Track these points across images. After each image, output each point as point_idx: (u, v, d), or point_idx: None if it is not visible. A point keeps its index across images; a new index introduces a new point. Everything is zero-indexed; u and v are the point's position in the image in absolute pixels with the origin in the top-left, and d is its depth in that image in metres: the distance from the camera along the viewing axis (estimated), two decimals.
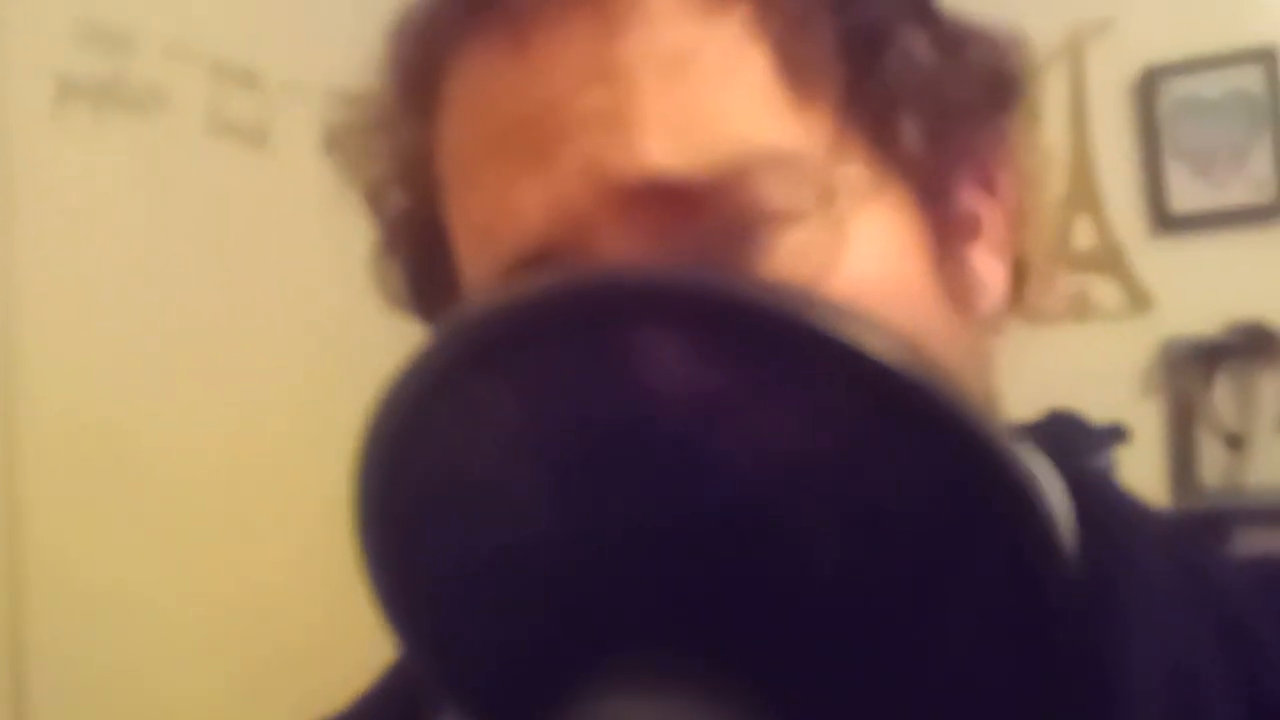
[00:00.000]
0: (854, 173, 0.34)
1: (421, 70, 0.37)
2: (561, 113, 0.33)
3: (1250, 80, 1.87)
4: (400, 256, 0.40)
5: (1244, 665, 0.35)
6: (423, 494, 0.29)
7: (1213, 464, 1.84)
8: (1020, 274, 0.39)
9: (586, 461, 0.26)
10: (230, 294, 1.41)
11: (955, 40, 0.36)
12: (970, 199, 0.37)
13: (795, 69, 0.34)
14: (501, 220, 0.34)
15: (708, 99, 0.33)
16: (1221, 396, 1.85)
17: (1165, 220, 1.91)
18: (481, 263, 0.35)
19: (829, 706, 0.26)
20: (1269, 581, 0.38)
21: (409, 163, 0.38)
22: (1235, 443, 1.83)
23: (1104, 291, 1.90)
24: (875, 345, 0.24)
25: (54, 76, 1.22)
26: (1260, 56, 1.87)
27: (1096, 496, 0.39)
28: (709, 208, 0.32)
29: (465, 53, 0.36)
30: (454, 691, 0.31)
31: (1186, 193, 1.90)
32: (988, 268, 0.38)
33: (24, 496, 1.18)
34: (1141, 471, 1.88)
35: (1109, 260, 1.91)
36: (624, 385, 0.26)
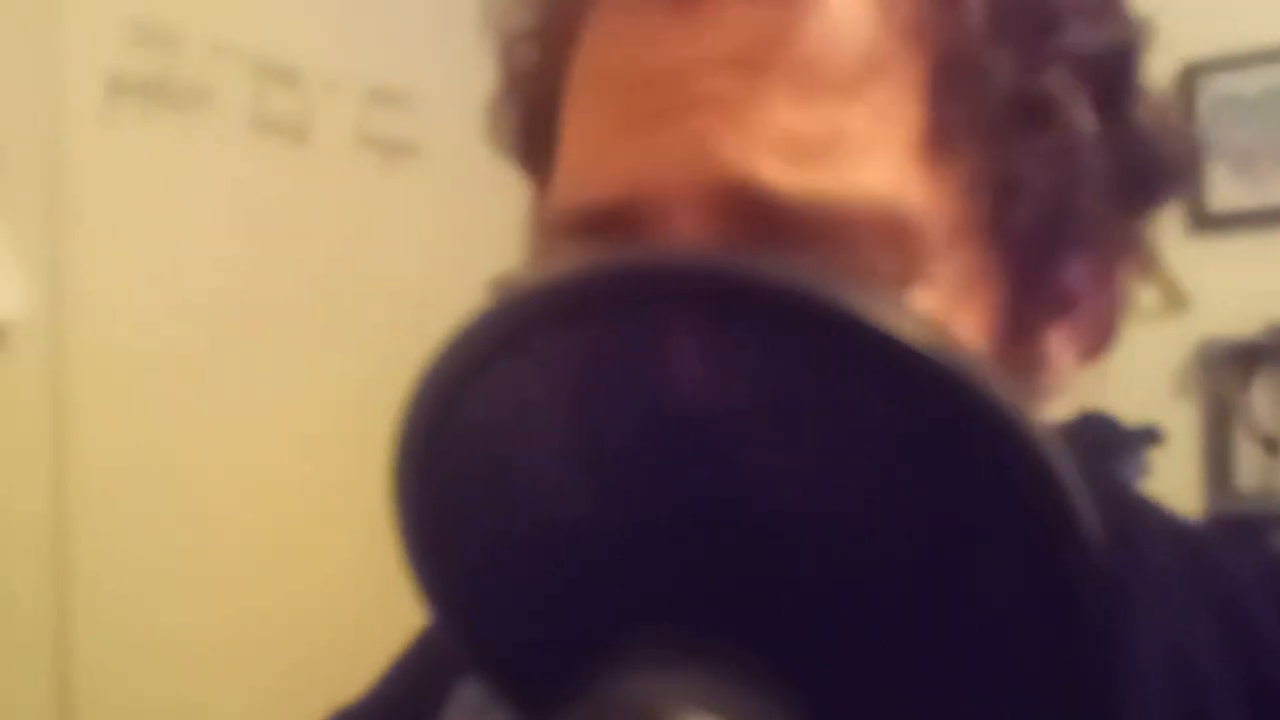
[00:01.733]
0: (960, 256, 0.32)
1: None
2: (695, 85, 0.32)
3: None
4: (516, 108, 0.40)
5: (1248, 662, 0.35)
6: (459, 470, 0.29)
7: (1249, 467, 1.82)
8: (1096, 350, 0.37)
9: (623, 445, 0.27)
10: (272, 288, 1.43)
11: (1129, 127, 0.34)
12: (1076, 280, 0.35)
13: (946, 135, 0.32)
14: (598, 163, 0.33)
15: (842, 133, 0.31)
16: (1259, 399, 1.83)
17: (1203, 219, 1.88)
18: (569, 193, 0.35)
19: (855, 689, 0.26)
20: (1276, 579, 0.37)
21: (549, 28, 0.37)
22: (1272, 446, 1.81)
23: (1140, 291, 1.88)
24: (909, 332, 0.24)
25: (105, 75, 1.25)
26: None
27: (1110, 496, 0.39)
28: (800, 235, 0.31)
29: None
30: (485, 666, 0.31)
31: (1225, 191, 1.88)
32: (1059, 349, 0.36)
33: (69, 500, 1.20)
34: (1177, 474, 1.86)
35: (1145, 259, 1.89)
36: (664, 371, 0.26)
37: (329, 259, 1.50)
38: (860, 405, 0.25)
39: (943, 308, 0.32)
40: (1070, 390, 0.37)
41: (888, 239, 0.31)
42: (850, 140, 0.31)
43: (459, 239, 1.72)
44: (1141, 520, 0.39)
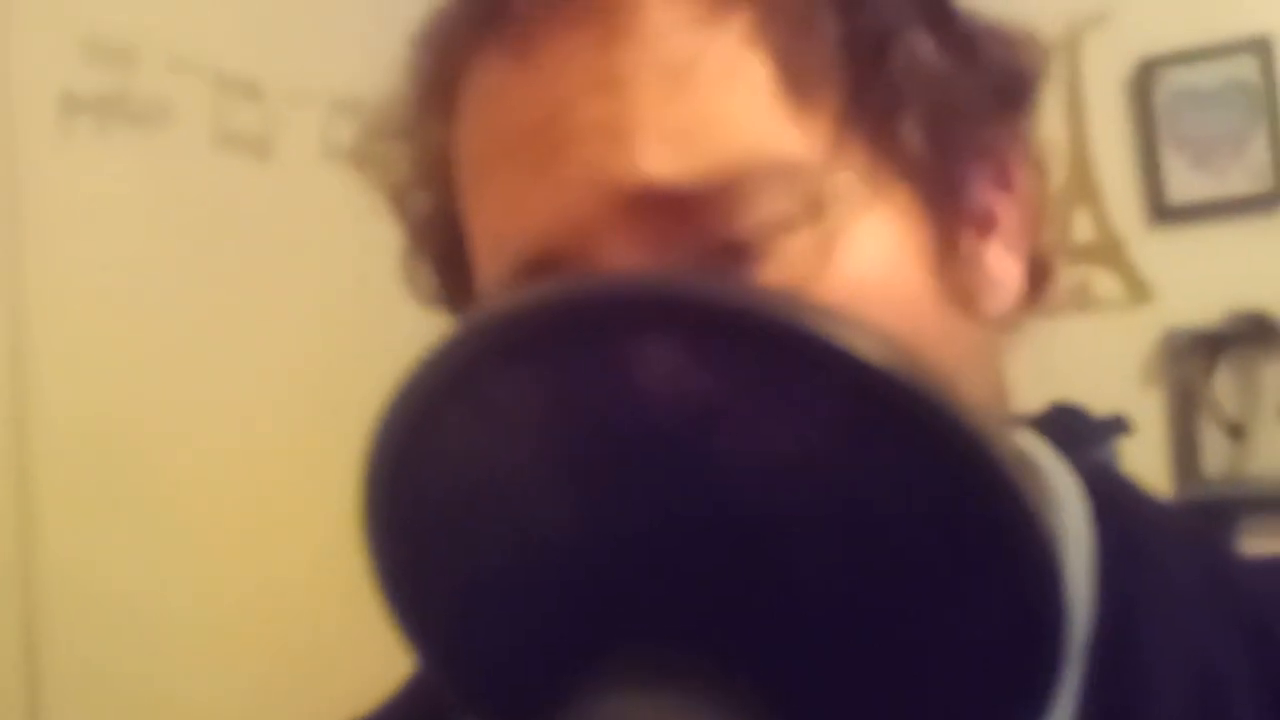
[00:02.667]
0: (852, 178, 0.34)
1: (439, 78, 0.38)
2: (565, 122, 0.34)
3: (1246, 70, 1.88)
4: (427, 256, 0.41)
5: (1268, 668, 0.35)
6: (428, 500, 0.29)
7: (1215, 454, 1.85)
8: (1038, 270, 0.39)
9: (592, 467, 0.27)
10: (237, 303, 1.42)
11: (965, 40, 0.37)
12: (984, 196, 0.37)
13: (796, 76, 0.34)
14: (508, 227, 0.35)
15: (707, 108, 0.33)
16: (1223, 386, 1.85)
17: (1164, 211, 1.91)
18: (491, 267, 0.36)
19: (830, 705, 0.26)
20: None
21: (430, 166, 0.39)
22: (1237, 432, 1.84)
23: (1104, 283, 1.90)
24: (861, 347, 0.25)
25: (59, 91, 1.23)
26: (1255, 46, 1.88)
27: (1114, 497, 0.39)
28: (707, 215, 0.33)
29: (477, 62, 0.37)
30: (463, 695, 0.31)
31: (1184, 183, 1.91)
32: (1002, 265, 0.37)
33: (37, 505, 1.19)
34: (1144, 462, 1.87)
35: (1108, 251, 1.91)
36: (626, 391, 0.26)
37: (296, 272, 1.49)
38: (819, 420, 0.26)
39: (863, 233, 0.34)
40: (1033, 317, 0.38)
41: (783, 184, 0.33)
42: (715, 112, 0.34)
43: None
44: (1146, 519, 0.39)
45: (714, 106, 0.34)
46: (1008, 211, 0.38)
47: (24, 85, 1.20)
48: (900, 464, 0.25)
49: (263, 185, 1.47)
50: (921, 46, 0.35)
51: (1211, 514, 1.73)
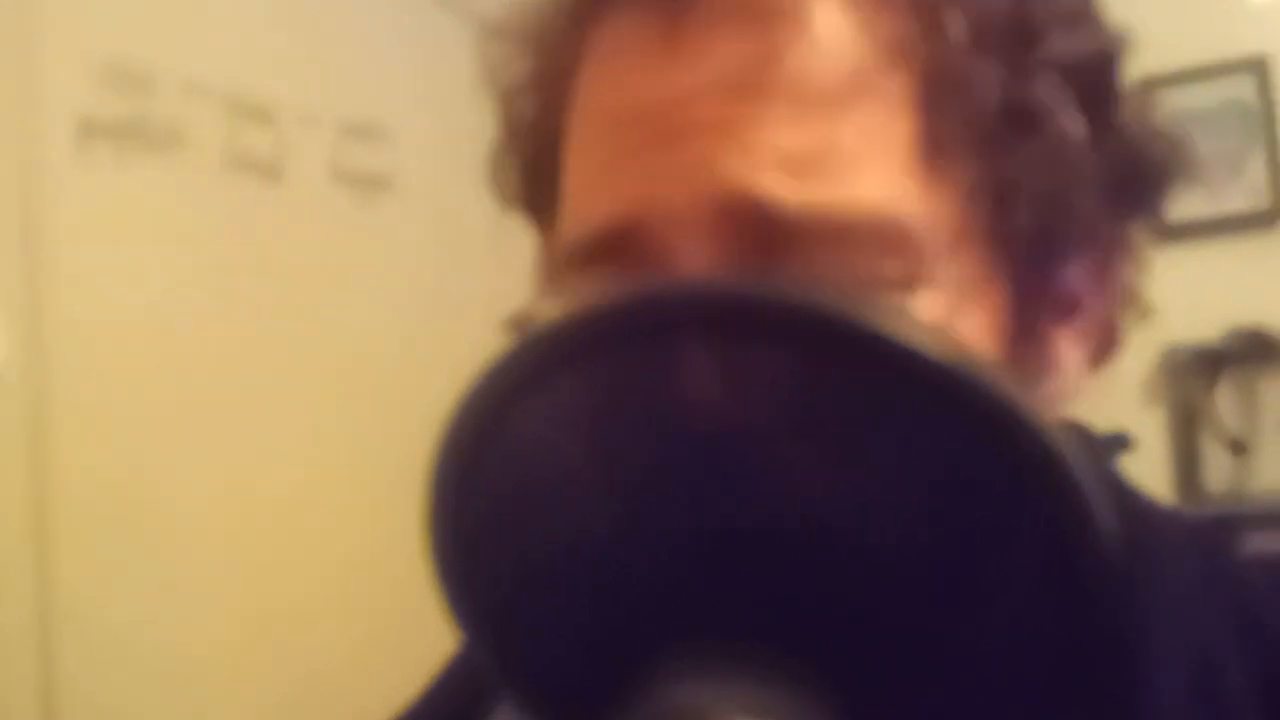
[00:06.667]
0: (963, 258, 0.33)
1: (574, 17, 0.37)
2: (691, 111, 0.33)
3: (1243, 89, 1.90)
4: (517, 160, 0.41)
5: (1262, 659, 0.35)
6: (492, 495, 0.30)
7: (1217, 470, 1.85)
8: (1103, 353, 0.38)
9: (647, 465, 0.27)
10: (250, 324, 1.43)
11: (1117, 130, 0.35)
12: (1076, 281, 0.36)
13: (938, 146, 0.33)
14: (602, 193, 0.34)
15: (838, 148, 0.32)
16: (1224, 402, 1.86)
17: (1163, 229, 1.92)
18: (574, 228, 0.36)
19: (887, 689, 0.27)
20: None
21: (546, 78, 0.39)
22: (1238, 448, 1.84)
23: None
24: (921, 343, 0.25)
25: (78, 117, 1.25)
26: (1252, 66, 1.90)
27: (1117, 496, 0.40)
28: (803, 249, 0.32)
29: (618, 19, 0.35)
30: (520, 688, 0.32)
31: (1183, 201, 1.92)
32: (1068, 351, 0.37)
33: (52, 536, 1.19)
34: (1146, 479, 1.86)
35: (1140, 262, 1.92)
36: (684, 393, 0.27)
37: (306, 294, 1.51)
38: (879, 416, 0.26)
39: (948, 310, 0.33)
40: (1081, 395, 0.37)
41: (887, 245, 0.32)
42: (845, 154, 0.32)
43: (434, 271, 1.73)
44: (1149, 519, 0.39)
45: (847, 148, 0.32)
46: (1094, 304, 0.37)
47: (44, 111, 1.22)
48: (950, 458, 0.26)
49: (273, 207, 1.48)
50: (1070, 130, 0.34)
51: (1214, 530, 1.73)
